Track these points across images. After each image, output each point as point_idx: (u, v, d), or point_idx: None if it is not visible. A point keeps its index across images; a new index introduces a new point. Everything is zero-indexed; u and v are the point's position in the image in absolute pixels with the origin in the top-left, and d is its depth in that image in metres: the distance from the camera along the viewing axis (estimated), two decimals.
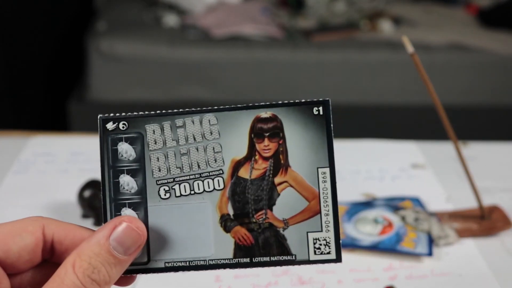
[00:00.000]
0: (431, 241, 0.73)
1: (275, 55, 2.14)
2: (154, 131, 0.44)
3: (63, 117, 2.18)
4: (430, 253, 0.71)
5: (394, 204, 0.80)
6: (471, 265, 0.71)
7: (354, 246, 0.73)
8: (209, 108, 0.44)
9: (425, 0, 2.61)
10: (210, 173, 0.43)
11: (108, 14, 2.36)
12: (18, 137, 1.01)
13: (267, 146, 0.43)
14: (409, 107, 2.14)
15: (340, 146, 1.02)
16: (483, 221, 0.77)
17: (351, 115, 2.15)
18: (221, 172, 0.43)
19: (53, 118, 2.29)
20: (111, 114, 0.44)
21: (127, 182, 0.43)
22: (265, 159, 0.43)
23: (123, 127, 0.43)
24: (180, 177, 0.43)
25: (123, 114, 0.44)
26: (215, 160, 0.43)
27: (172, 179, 0.43)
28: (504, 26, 2.29)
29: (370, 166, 0.94)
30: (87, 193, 0.78)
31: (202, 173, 0.43)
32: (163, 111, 0.44)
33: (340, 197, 0.82)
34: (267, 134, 0.43)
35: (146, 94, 2.13)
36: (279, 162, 0.43)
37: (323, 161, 0.43)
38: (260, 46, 2.16)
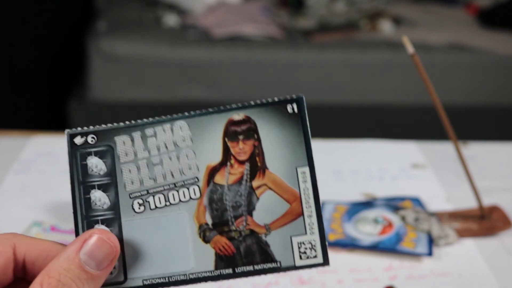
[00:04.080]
0: (431, 241, 0.73)
1: (275, 55, 2.14)
2: (124, 143, 0.42)
3: (63, 117, 2.18)
4: (430, 253, 0.71)
5: (394, 204, 0.80)
6: (471, 265, 0.71)
7: (354, 246, 0.73)
8: (180, 115, 0.42)
9: (425, 0, 2.61)
10: (185, 182, 0.41)
11: (108, 14, 2.37)
12: (18, 137, 1.01)
13: (242, 149, 0.41)
14: (409, 107, 2.14)
15: (340, 146, 1.02)
16: (483, 221, 0.77)
17: (351, 115, 2.15)
18: (196, 180, 0.41)
19: (53, 118, 2.29)
20: (79, 128, 0.42)
21: (99, 198, 0.41)
22: (241, 162, 0.41)
23: (92, 141, 0.42)
24: (154, 188, 0.41)
25: (91, 127, 0.42)
26: (190, 168, 0.41)
27: (145, 191, 0.41)
28: (504, 26, 2.29)
29: (370, 166, 0.94)
30: None
31: (177, 183, 0.41)
32: (132, 122, 0.42)
33: (340, 197, 0.83)
34: (241, 136, 0.41)
35: (146, 94, 2.13)
36: (256, 164, 0.41)
37: (302, 160, 0.41)
38: (260, 46, 2.16)
